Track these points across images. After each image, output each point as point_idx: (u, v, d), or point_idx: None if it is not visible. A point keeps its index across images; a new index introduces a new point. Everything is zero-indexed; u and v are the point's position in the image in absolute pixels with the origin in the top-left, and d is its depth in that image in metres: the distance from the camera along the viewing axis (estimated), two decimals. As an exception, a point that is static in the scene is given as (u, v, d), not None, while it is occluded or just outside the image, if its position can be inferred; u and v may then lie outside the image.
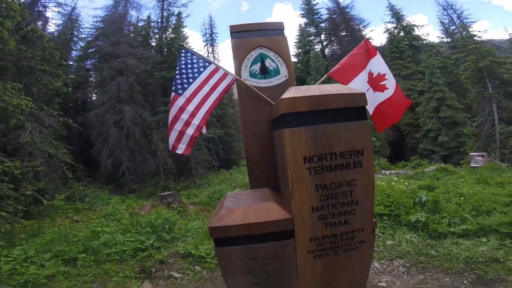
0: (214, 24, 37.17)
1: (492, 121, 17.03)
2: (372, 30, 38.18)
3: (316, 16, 30.44)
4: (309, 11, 30.42)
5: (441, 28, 28.34)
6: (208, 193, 9.70)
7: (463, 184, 8.11)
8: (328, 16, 30.24)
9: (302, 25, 31.34)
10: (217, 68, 2.31)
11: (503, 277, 3.12)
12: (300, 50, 30.89)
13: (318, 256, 1.70)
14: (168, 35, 21.22)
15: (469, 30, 24.62)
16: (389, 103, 2.51)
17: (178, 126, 2.14)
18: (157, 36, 22.58)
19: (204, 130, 2.29)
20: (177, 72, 2.25)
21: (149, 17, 22.48)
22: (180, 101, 2.16)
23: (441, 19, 28.04)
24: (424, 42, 27.19)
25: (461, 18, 26.21)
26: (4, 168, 5.02)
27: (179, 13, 22.23)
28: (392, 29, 27.90)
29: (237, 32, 2.36)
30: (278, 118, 1.71)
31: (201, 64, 2.27)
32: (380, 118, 2.55)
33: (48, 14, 19.29)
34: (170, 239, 4.86)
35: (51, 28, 19.40)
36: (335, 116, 1.57)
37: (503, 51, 23.11)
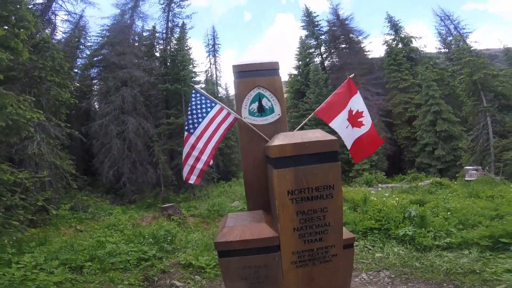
0: (216, 35, 37.93)
1: (487, 134, 17.36)
2: (371, 42, 38.67)
3: (317, 28, 30.90)
4: (310, 23, 30.87)
5: (439, 38, 28.64)
6: (208, 205, 9.95)
7: (454, 198, 8.36)
8: (328, 28, 30.56)
9: (303, 37, 31.68)
10: (222, 108, 2.72)
11: (478, 287, 3.40)
12: (300, 62, 30.99)
13: (299, 266, 2.15)
14: (172, 46, 21.68)
15: (466, 40, 25.01)
16: (365, 138, 2.92)
17: (190, 161, 2.53)
18: (162, 47, 23.18)
19: (211, 162, 2.67)
20: (189, 112, 2.66)
21: (154, 27, 23.14)
22: (192, 139, 2.56)
23: (439, 30, 28.32)
24: (422, 53, 27.44)
25: (458, 29, 26.48)
26: (16, 179, 5.35)
27: (183, 25, 22.81)
28: (391, 40, 28.29)
29: (239, 72, 2.73)
30: (269, 159, 2.15)
31: (208, 105, 2.66)
32: (357, 151, 2.97)
33: (57, 21, 19.42)
34: (172, 249, 5.13)
35: (58, 35, 19.66)
36: (313, 159, 2.02)
37: (499, 61, 23.17)
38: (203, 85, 30.66)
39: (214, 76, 36.83)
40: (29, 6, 12.15)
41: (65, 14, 19.53)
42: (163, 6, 22.45)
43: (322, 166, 2.00)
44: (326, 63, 30.95)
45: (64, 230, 7.09)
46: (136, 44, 20.89)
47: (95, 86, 20.58)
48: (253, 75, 2.69)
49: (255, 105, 2.69)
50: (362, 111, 2.89)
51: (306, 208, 2.04)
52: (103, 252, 4.79)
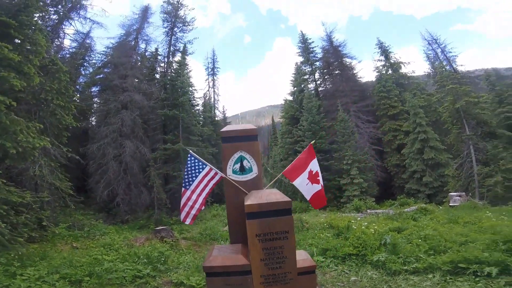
0: (216, 58, 39.63)
1: (470, 162, 18.13)
2: (362, 69, 40.38)
3: (311, 54, 31.86)
4: (305, 50, 31.87)
5: (428, 62, 29.03)
6: (200, 229, 10.27)
7: (433, 224, 8.86)
8: (322, 54, 31.50)
9: (298, 63, 32.63)
10: (211, 169, 3.48)
11: (432, 307, 3.87)
12: (295, 88, 31.90)
13: (266, 285, 2.88)
14: (172, 71, 22.30)
15: (452, 64, 25.54)
16: (319, 193, 3.75)
17: (186, 208, 3.30)
18: (163, 70, 23.91)
19: (202, 208, 3.36)
20: (185, 171, 3.43)
21: (156, 49, 24.05)
22: (188, 193, 3.34)
23: (427, 53, 28.75)
24: (411, 79, 28.05)
25: (445, 52, 26.81)
26: (23, 200, 5.79)
27: (185, 50, 23.56)
28: (381, 67, 29.09)
29: (226, 137, 3.51)
30: (244, 211, 2.98)
31: (201, 166, 3.42)
32: (315, 201, 3.80)
33: (65, 40, 19.89)
34: (164, 269, 5.52)
35: (64, 53, 19.69)
36: (273, 213, 2.85)
37: (480, 88, 23.33)
38: (201, 108, 31.59)
39: (212, 99, 37.97)
40: (41, 27, 12.13)
41: (74, 34, 20.11)
42: (166, 29, 23.41)
43: (280, 218, 2.84)
44: (320, 89, 31.73)
45: (61, 246, 7.38)
46: (138, 64, 21.36)
47: (94, 105, 20.82)
48: (237, 140, 3.44)
49: (237, 165, 3.44)
50: (318, 172, 3.70)
51: (269, 246, 2.85)
52: (101, 268, 5.17)
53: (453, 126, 19.69)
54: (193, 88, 24.72)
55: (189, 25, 23.98)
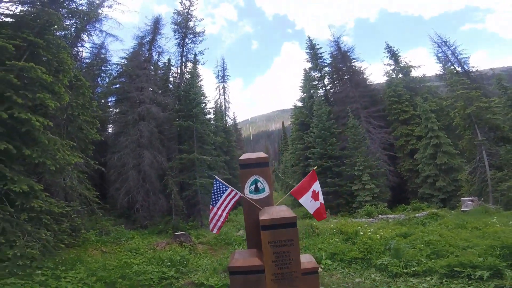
0: (226, 66, 40.87)
1: (483, 167, 17.99)
2: (371, 74, 40.23)
3: (320, 60, 31.91)
4: (313, 56, 31.97)
5: (439, 63, 28.42)
6: (215, 234, 10.84)
7: (441, 230, 9.10)
8: (331, 60, 31.47)
9: (307, 69, 32.77)
10: (232, 190, 4.30)
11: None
12: (304, 94, 32.21)
13: (276, 282, 3.53)
14: (185, 81, 23.13)
15: (464, 66, 25.17)
16: (320, 208, 4.44)
17: (214, 221, 4.12)
18: (177, 81, 24.87)
19: (225, 220, 4.25)
20: (213, 192, 4.25)
21: (169, 60, 24.81)
22: (215, 209, 4.17)
23: (437, 55, 28.16)
24: (422, 84, 27.63)
25: (456, 55, 26.41)
26: (63, 211, 6.61)
27: (196, 61, 24.50)
28: (391, 71, 28.78)
29: (243, 164, 4.32)
30: (259, 224, 3.64)
31: (224, 188, 4.26)
32: (317, 215, 4.48)
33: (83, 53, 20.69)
34: (186, 271, 6.17)
35: (80, 65, 20.11)
36: (282, 225, 3.52)
37: (491, 92, 23.12)
38: (213, 116, 32.46)
39: (223, 107, 39.00)
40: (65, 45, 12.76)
41: (91, 46, 21.10)
42: (178, 40, 24.22)
43: (287, 230, 3.54)
44: (330, 95, 31.69)
45: (91, 251, 8.16)
46: (153, 75, 21.93)
47: (111, 114, 21.84)
48: (252, 166, 4.28)
49: (253, 187, 4.25)
50: (319, 191, 4.41)
51: (279, 250, 3.55)
52: (130, 271, 5.87)
53: (465, 131, 19.53)
54: (205, 98, 25.46)
55: (200, 36, 24.75)
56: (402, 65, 28.82)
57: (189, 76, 23.28)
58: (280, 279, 3.52)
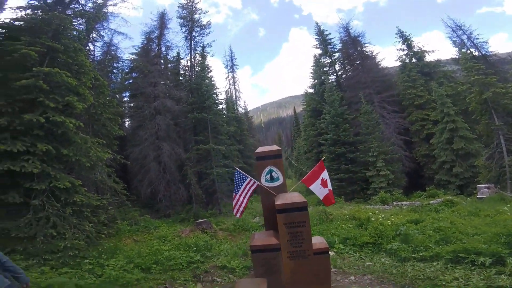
0: (234, 56, 41.20)
1: (501, 153, 17.66)
2: (384, 58, 38.80)
3: (330, 46, 31.28)
4: (323, 42, 31.33)
5: (455, 47, 26.86)
6: (233, 221, 11.57)
7: (453, 217, 9.31)
8: (341, 46, 30.75)
9: (317, 55, 32.25)
10: (250, 179, 4.86)
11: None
12: (315, 80, 31.68)
13: (291, 259, 4.08)
14: (196, 74, 23.46)
15: (481, 50, 24.09)
16: (329, 194, 4.91)
17: (237, 206, 4.67)
18: (187, 74, 25.28)
19: (246, 205, 4.81)
20: (235, 182, 4.79)
21: (178, 53, 25.14)
22: (237, 196, 4.71)
23: (452, 40, 26.67)
24: (437, 68, 26.78)
25: (472, 39, 25.13)
26: (100, 204, 7.39)
27: (204, 53, 24.62)
28: (404, 56, 27.84)
29: (259, 156, 4.85)
30: (275, 208, 4.14)
31: (244, 178, 4.80)
32: (326, 200, 4.98)
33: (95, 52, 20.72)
34: (210, 256, 6.88)
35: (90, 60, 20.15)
36: (295, 209, 4.04)
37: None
38: (224, 106, 32.83)
39: (234, 96, 39.35)
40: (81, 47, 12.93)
41: (101, 45, 21.10)
42: (185, 34, 24.46)
43: (299, 213, 4.05)
44: (341, 80, 31.15)
45: (125, 240, 9.05)
46: (164, 69, 22.46)
47: (127, 109, 22.41)
48: (267, 158, 4.82)
49: (268, 176, 4.79)
50: (327, 179, 4.87)
51: (292, 231, 4.07)
52: (162, 257, 6.61)
53: (482, 116, 19.06)
54: (216, 89, 25.68)
55: (206, 28, 24.87)
56: (415, 50, 27.75)
57: (199, 69, 23.40)
58: (295, 257, 4.04)
